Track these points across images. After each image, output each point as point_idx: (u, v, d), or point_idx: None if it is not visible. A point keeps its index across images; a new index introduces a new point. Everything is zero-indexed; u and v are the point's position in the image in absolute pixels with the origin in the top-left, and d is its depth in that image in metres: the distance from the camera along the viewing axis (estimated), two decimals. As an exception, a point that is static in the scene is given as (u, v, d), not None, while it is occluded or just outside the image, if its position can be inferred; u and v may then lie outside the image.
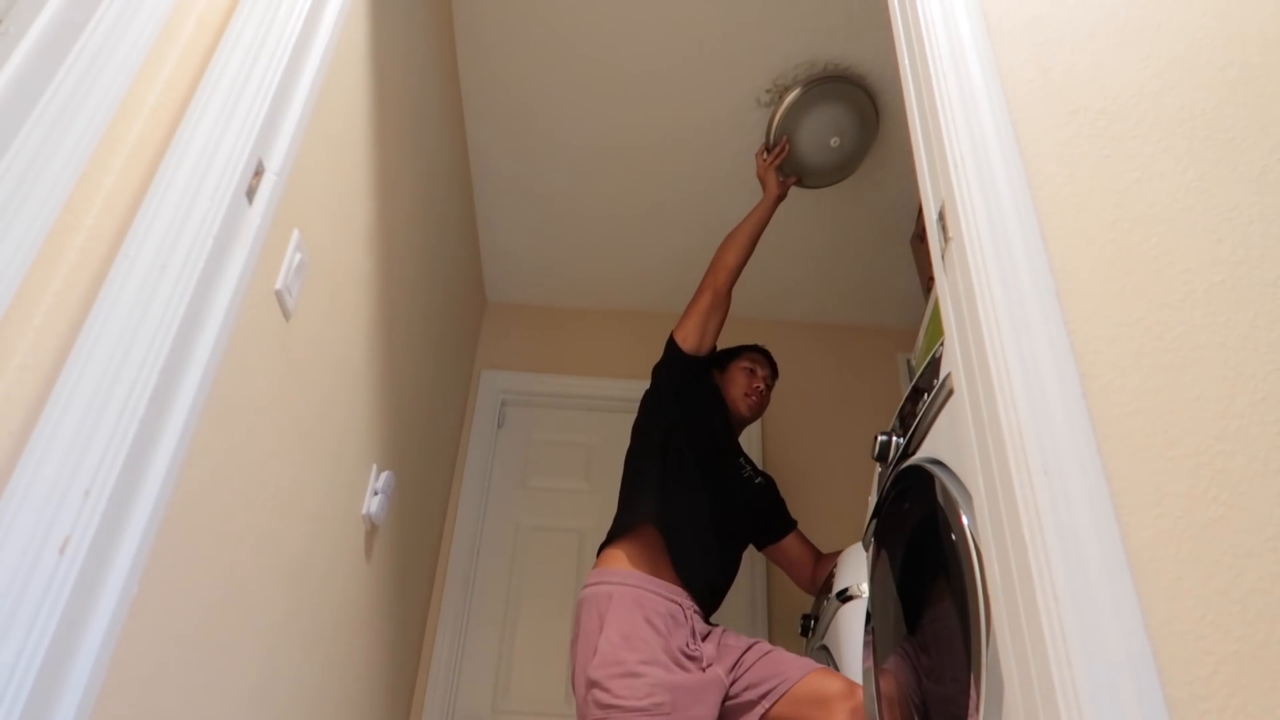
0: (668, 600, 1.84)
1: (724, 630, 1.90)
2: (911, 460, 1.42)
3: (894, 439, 1.57)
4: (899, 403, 1.63)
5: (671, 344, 2.18)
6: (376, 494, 1.86)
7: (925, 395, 1.42)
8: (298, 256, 1.31)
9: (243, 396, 1.17)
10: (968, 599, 1.07)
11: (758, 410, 2.31)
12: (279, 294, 1.26)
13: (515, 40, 2.41)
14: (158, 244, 0.94)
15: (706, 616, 1.94)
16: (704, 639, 1.84)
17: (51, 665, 0.73)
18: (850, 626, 1.75)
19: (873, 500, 1.79)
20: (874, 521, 1.65)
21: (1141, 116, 1.04)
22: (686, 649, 1.77)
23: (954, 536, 1.15)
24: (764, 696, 1.71)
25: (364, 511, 1.82)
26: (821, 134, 2.53)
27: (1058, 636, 0.71)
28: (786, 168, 2.54)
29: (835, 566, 1.97)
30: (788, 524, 2.32)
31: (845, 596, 1.81)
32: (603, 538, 2.84)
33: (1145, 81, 1.07)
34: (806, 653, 2.00)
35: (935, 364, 1.40)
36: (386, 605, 2.10)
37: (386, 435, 1.97)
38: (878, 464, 1.71)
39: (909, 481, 1.40)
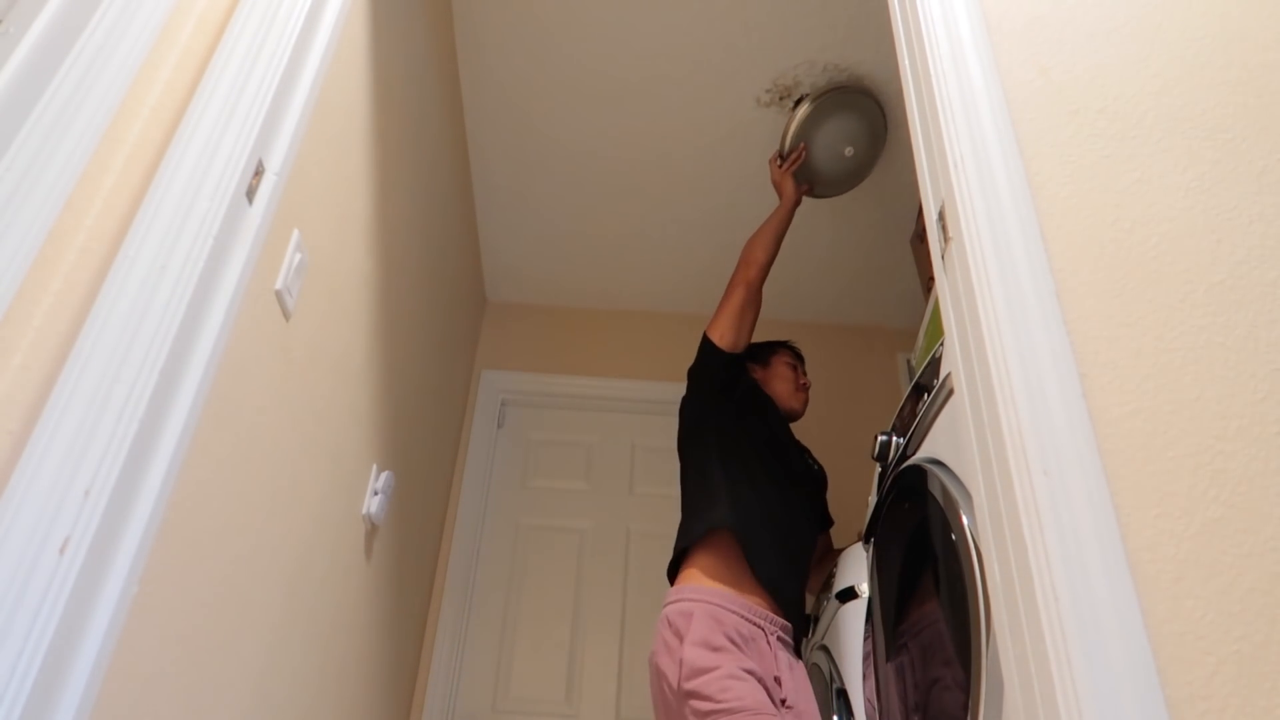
0: (750, 623, 1.76)
1: (805, 678, 1.83)
2: (911, 460, 1.42)
3: (894, 439, 1.57)
4: (899, 403, 1.63)
5: (708, 344, 2.12)
6: (376, 494, 1.86)
7: (925, 395, 1.43)
8: (298, 256, 1.31)
9: (243, 396, 1.17)
10: (968, 599, 1.07)
11: (806, 405, 2.28)
12: (279, 294, 1.26)
13: (515, 40, 2.41)
14: (158, 244, 0.94)
15: (795, 632, 1.88)
16: (790, 669, 1.77)
17: (51, 665, 0.73)
18: (850, 626, 1.75)
19: (873, 500, 1.79)
20: (874, 521, 1.65)
21: (1141, 116, 1.04)
22: (772, 676, 1.71)
23: (954, 536, 1.15)
24: None
25: (364, 511, 1.82)
26: (836, 144, 2.55)
27: (1058, 636, 0.71)
28: (799, 176, 2.55)
29: (835, 566, 1.97)
30: (827, 521, 2.26)
31: (845, 596, 1.81)
32: (602, 538, 2.88)
33: (1145, 81, 1.07)
34: (807, 652, 2.00)
35: (935, 364, 1.40)
36: (386, 605, 2.10)
37: (386, 435, 1.97)
38: (878, 464, 1.72)
39: (909, 481, 1.40)
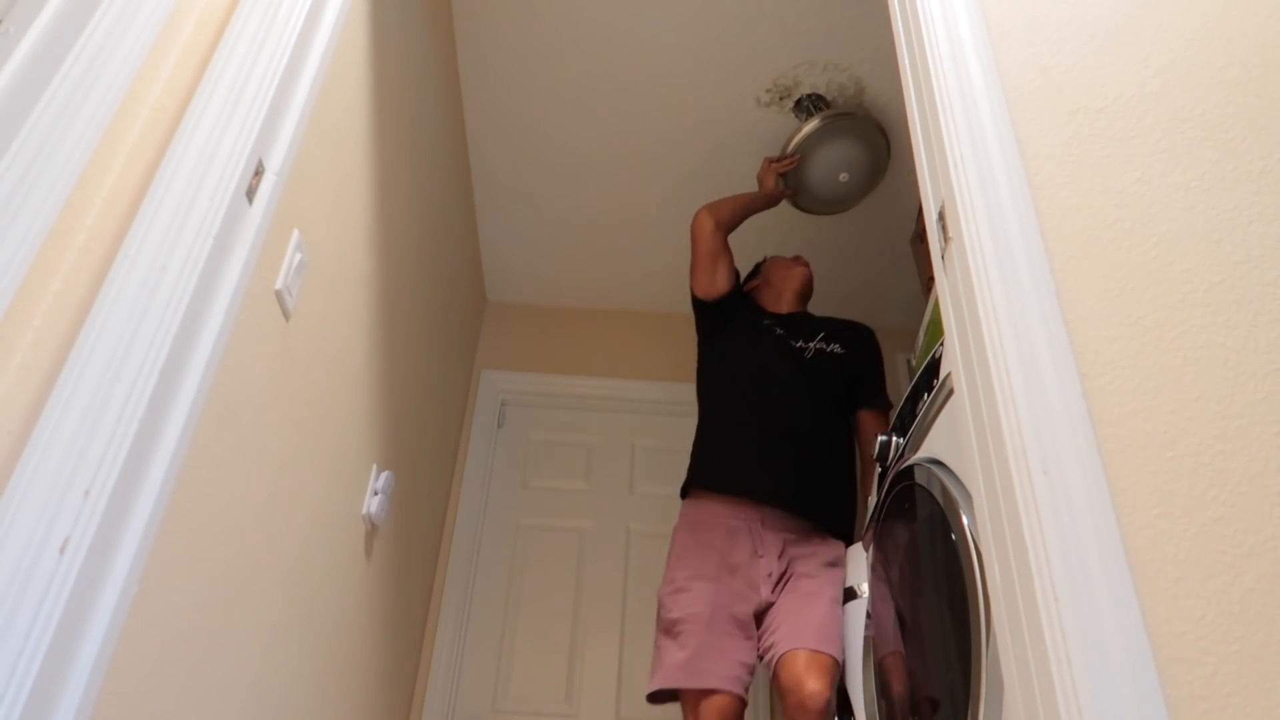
0: (728, 519, 1.95)
1: (816, 554, 1.91)
2: (911, 460, 1.42)
3: (894, 439, 1.57)
4: (899, 403, 1.63)
5: (693, 299, 2.30)
6: (376, 494, 1.86)
7: (925, 395, 1.43)
8: (298, 256, 1.31)
9: (243, 396, 1.17)
10: (968, 599, 1.08)
11: (810, 277, 2.38)
12: (279, 294, 1.26)
13: (515, 40, 2.41)
14: (158, 244, 0.94)
15: (820, 520, 1.98)
16: (781, 553, 1.91)
17: (51, 665, 0.73)
18: (851, 626, 1.75)
19: (873, 500, 1.79)
20: (874, 521, 1.65)
21: (1141, 116, 1.04)
22: (746, 558, 1.89)
23: (954, 536, 1.15)
24: (768, 649, 1.80)
25: (364, 511, 1.82)
26: (833, 165, 2.58)
27: (1058, 636, 0.71)
28: (789, 179, 2.57)
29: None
30: (861, 400, 2.19)
31: (845, 597, 1.81)
32: (602, 538, 2.89)
33: (1145, 81, 1.07)
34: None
35: (935, 364, 1.41)
36: (386, 605, 2.10)
37: (386, 435, 1.97)
38: (878, 464, 1.72)
39: (909, 481, 1.40)
